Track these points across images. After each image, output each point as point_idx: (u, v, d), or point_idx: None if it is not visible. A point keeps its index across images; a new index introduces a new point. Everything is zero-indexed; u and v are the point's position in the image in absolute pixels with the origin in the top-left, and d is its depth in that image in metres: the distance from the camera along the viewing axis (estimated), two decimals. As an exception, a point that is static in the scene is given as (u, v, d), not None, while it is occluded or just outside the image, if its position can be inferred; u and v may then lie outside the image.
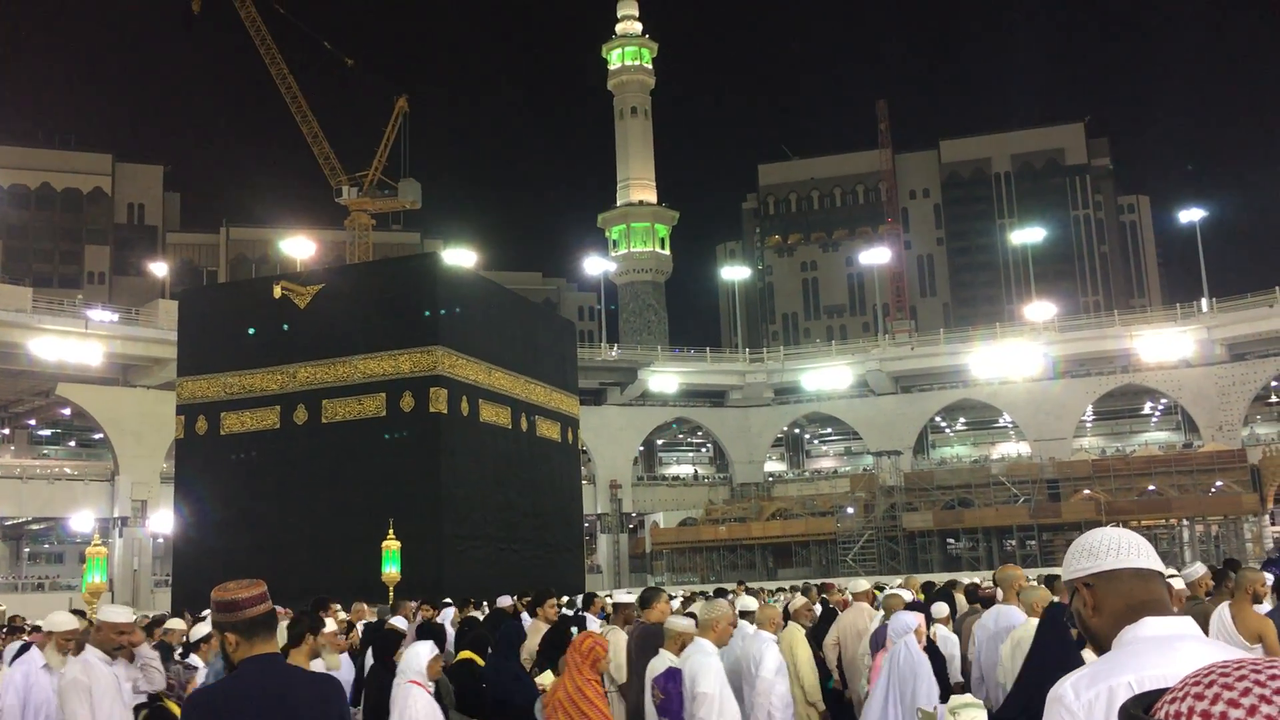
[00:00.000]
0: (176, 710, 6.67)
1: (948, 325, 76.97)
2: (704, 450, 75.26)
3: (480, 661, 8.57)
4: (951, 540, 56.25)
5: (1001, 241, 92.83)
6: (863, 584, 11.22)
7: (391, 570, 21.55)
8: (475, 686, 8.15)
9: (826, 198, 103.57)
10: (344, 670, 8.57)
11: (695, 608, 9.60)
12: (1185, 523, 52.07)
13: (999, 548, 53.74)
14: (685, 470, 74.26)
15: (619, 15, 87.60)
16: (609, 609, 12.63)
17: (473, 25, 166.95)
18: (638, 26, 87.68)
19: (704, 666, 6.25)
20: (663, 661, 6.51)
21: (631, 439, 63.72)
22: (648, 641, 7.59)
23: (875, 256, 78.45)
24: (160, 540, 50.34)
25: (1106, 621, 2.25)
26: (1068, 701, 2.08)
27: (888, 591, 10.77)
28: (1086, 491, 52.79)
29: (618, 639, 9.32)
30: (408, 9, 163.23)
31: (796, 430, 71.96)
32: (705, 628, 6.62)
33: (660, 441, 72.26)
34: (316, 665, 6.76)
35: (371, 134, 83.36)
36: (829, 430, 73.00)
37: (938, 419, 67.01)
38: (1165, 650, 2.10)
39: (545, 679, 8.65)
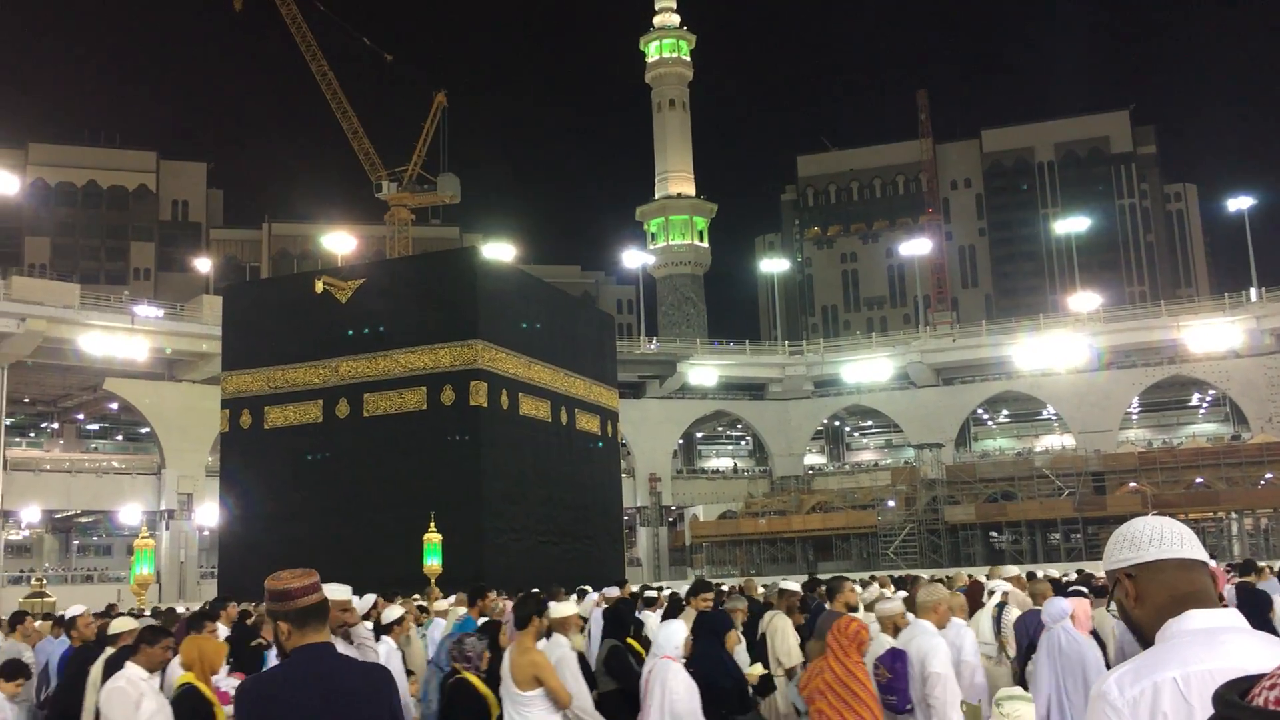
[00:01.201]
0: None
1: (990, 316, 76.15)
2: (743, 443, 75.07)
3: (637, 646, 8.88)
4: (994, 533, 55.72)
5: (1045, 231, 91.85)
6: (1012, 570, 11.23)
7: (433, 563, 21.71)
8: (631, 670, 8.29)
9: (866, 189, 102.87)
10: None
11: (878, 593, 9.70)
12: (1234, 516, 51.28)
13: (1043, 541, 53.20)
14: (724, 463, 74.13)
15: (657, 8, 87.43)
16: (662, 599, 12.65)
17: (510, 20, 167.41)
18: (676, 19, 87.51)
19: (933, 647, 6.39)
20: (881, 644, 6.71)
21: (671, 432, 63.68)
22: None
23: (916, 248, 77.85)
24: (206, 533, 51.03)
25: (1149, 613, 2.22)
26: (1112, 698, 2.05)
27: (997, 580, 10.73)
28: (1132, 484, 52.09)
29: (784, 625, 9.62)
30: (446, 5, 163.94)
31: (836, 423, 71.61)
32: (926, 610, 6.77)
33: (699, 434, 72.15)
34: (543, 646, 6.94)
35: (410, 129, 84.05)
36: (869, 423, 72.58)
37: (980, 411, 66.41)
38: (1211, 644, 2.06)
39: (755, 670, 8.76)
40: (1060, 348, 59.23)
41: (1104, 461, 54.54)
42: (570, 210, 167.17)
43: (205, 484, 49.20)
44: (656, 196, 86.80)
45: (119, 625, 8.05)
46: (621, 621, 9.20)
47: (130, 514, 51.70)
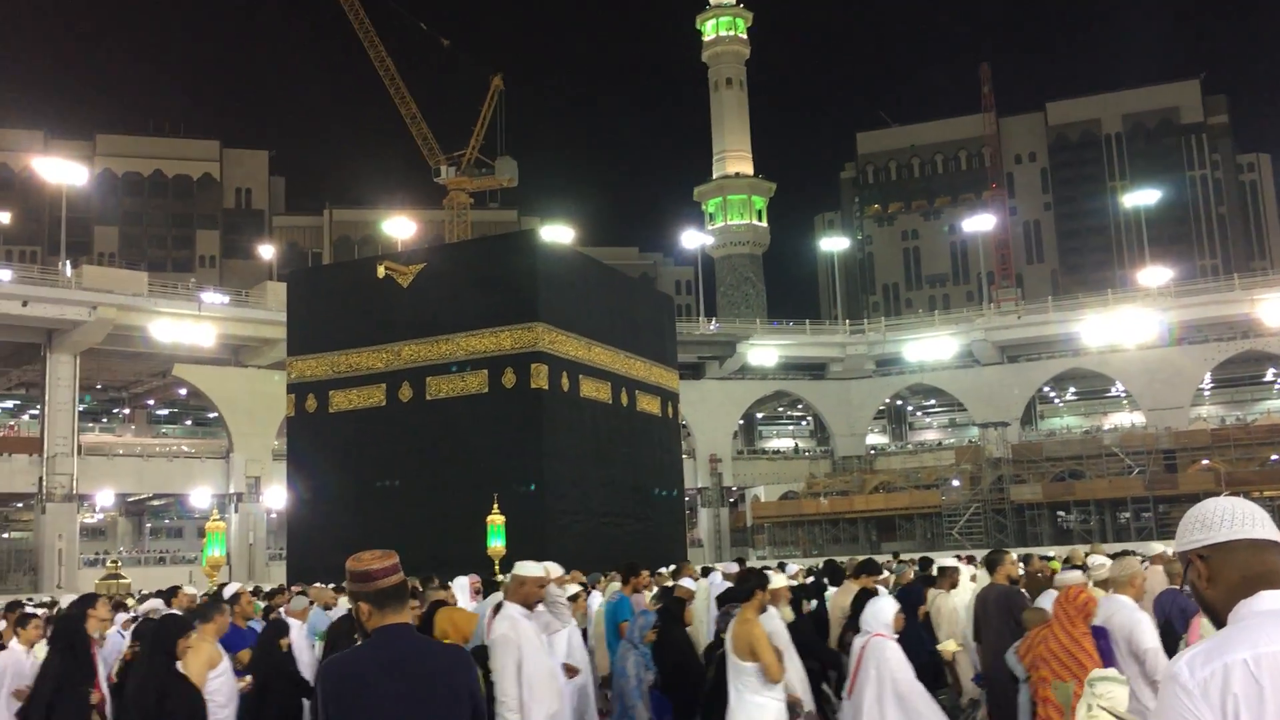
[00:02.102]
0: None
1: (1056, 292, 74.83)
2: (804, 423, 74.65)
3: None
4: (1062, 513, 54.92)
5: (1113, 205, 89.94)
6: (1157, 547, 11.08)
7: (497, 544, 21.80)
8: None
9: (928, 165, 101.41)
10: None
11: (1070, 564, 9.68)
12: (1311, 494, 50.00)
13: (1112, 520, 52.29)
14: (785, 444, 73.79)
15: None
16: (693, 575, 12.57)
17: (566, 1, 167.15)
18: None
19: (1138, 622, 6.30)
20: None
21: (731, 413, 63.46)
22: (1004, 602, 7.89)
23: (979, 224, 76.63)
24: (273, 515, 51.87)
25: (1221, 594, 2.22)
26: (1183, 679, 2.05)
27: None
28: (1205, 462, 51.01)
29: (949, 604, 9.63)
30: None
31: (899, 402, 70.90)
32: (1123, 584, 6.67)
33: (760, 415, 71.85)
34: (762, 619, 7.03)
35: (468, 113, 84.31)
36: (932, 402, 71.77)
37: (1046, 389, 65.32)
38: None
39: (948, 646, 8.73)
40: (1129, 323, 57.96)
41: (1175, 439, 53.45)
42: (628, 192, 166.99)
43: (272, 467, 49.98)
44: (714, 176, 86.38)
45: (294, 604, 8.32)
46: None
47: (200, 497, 52.71)
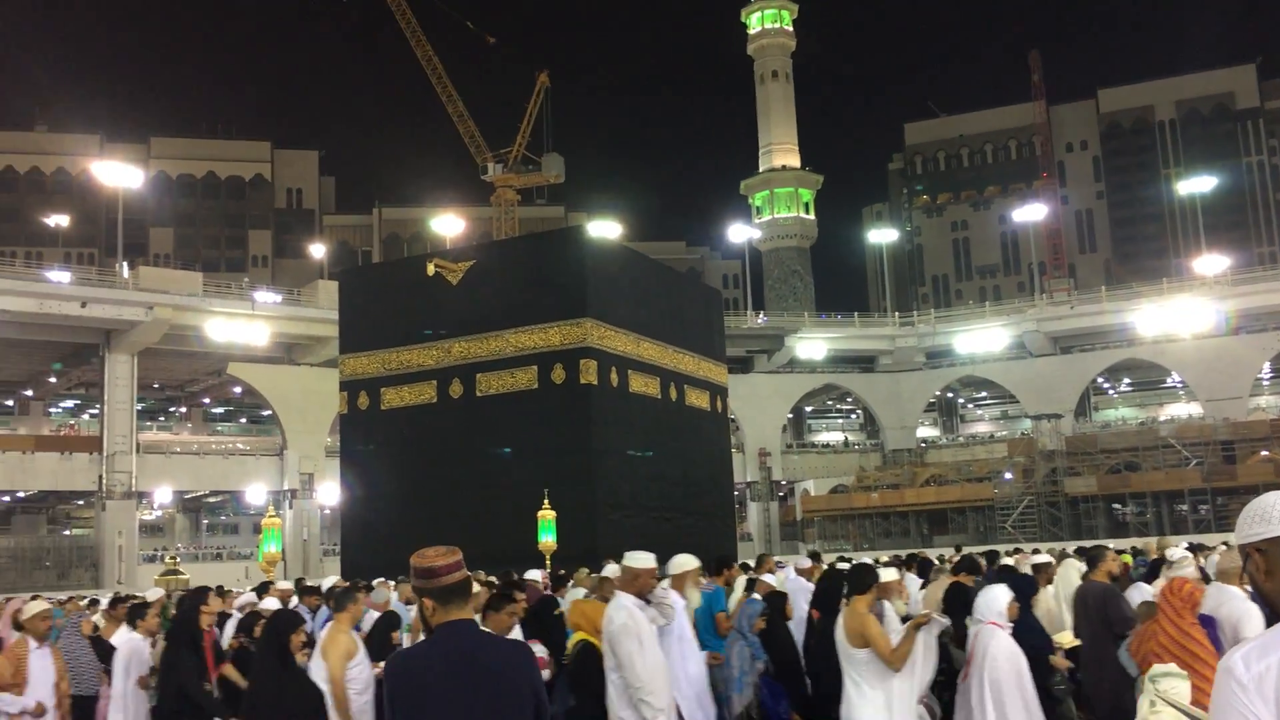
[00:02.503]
0: None
1: (1109, 282, 73.68)
2: (854, 417, 74.23)
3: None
4: (1118, 505, 54.15)
5: (1167, 193, 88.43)
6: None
7: (548, 539, 21.95)
8: None
9: (977, 154, 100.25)
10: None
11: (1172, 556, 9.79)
12: (1376, 485, 48.88)
13: (1169, 513, 51.47)
14: (835, 437, 73.41)
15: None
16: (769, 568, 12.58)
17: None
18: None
19: (1245, 612, 6.28)
20: None
21: (780, 406, 63.24)
22: (1103, 600, 7.96)
23: (1030, 213, 75.69)
24: (327, 511, 52.48)
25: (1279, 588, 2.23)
26: (1238, 673, 2.05)
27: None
28: (1265, 453, 50.04)
29: (1042, 599, 9.64)
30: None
31: (949, 394, 70.27)
32: (1231, 576, 6.66)
33: (809, 408, 71.54)
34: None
35: (514, 110, 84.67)
36: (984, 394, 71.06)
37: (1100, 380, 64.41)
38: None
39: (1064, 638, 8.76)
40: (1185, 312, 56.98)
41: (1233, 430, 52.49)
42: (674, 186, 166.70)
43: (325, 464, 50.58)
44: (761, 170, 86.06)
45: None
46: (834, 593, 9.06)
47: (255, 494, 53.44)
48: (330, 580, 14.86)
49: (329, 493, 48.48)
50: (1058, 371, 60.29)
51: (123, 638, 9.71)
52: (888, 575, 7.63)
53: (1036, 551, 15.49)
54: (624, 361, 29.37)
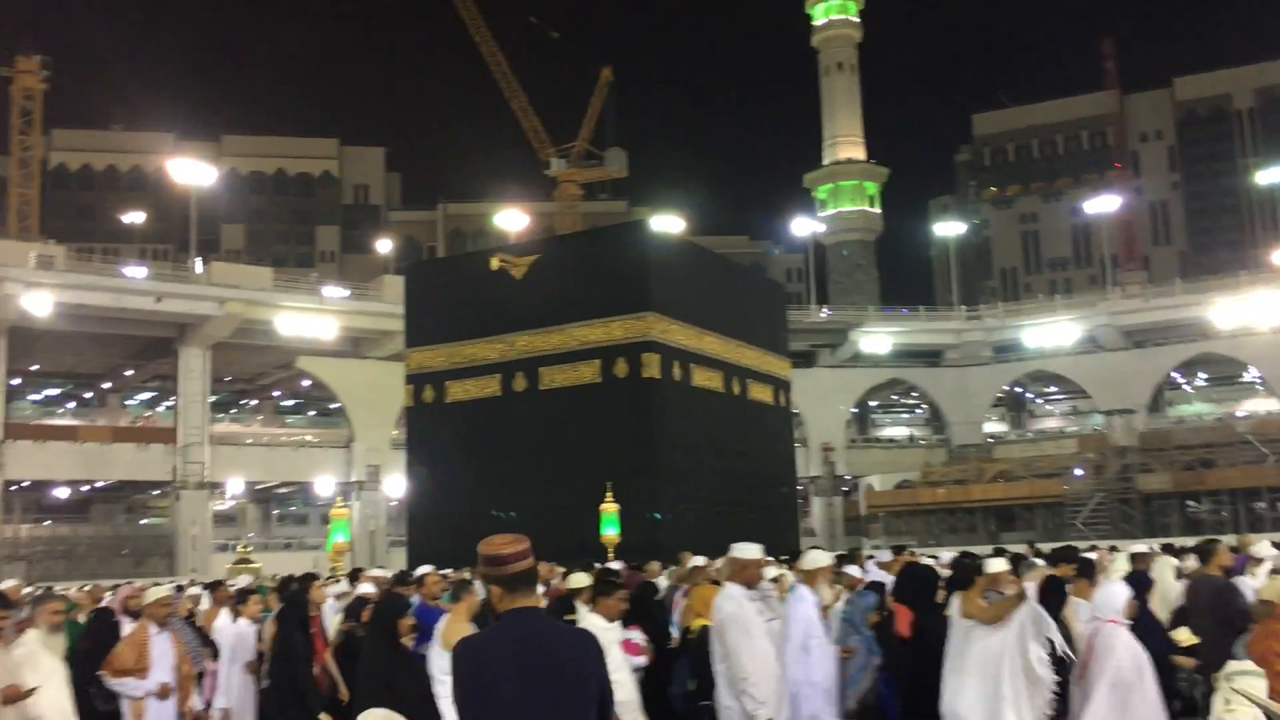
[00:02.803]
0: None
1: (1184, 274, 72.02)
2: (919, 411, 73.40)
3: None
4: (1192, 503, 52.91)
5: (1244, 183, 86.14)
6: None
7: (610, 532, 22.03)
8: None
9: (1047, 145, 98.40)
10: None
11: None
12: None
13: (1246, 511, 50.18)
14: (900, 432, 72.68)
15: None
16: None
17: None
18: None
19: None
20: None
21: (843, 401, 62.73)
22: (1217, 595, 7.92)
23: (1102, 205, 74.12)
24: (393, 503, 53.14)
25: None
26: None
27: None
28: (1347, 450, 48.65)
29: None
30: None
31: (1018, 389, 69.20)
32: None
33: (873, 403, 70.88)
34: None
35: (577, 105, 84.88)
36: (1053, 389, 69.85)
37: (1175, 375, 62.95)
38: None
39: (1182, 635, 8.69)
40: (1263, 305, 55.39)
41: (1314, 426, 51.09)
42: (737, 180, 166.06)
43: (391, 456, 51.17)
44: (825, 162, 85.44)
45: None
46: (925, 585, 8.95)
47: (324, 485, 54.29)
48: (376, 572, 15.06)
49: (395, 484, 49.07)
50: (1130, 366, 59.05)
51: (225, 623, 9.95)
52: (996, 566, 7.53)
53: (1113, 549, 15.16)
54: (686, 355, 29.37)
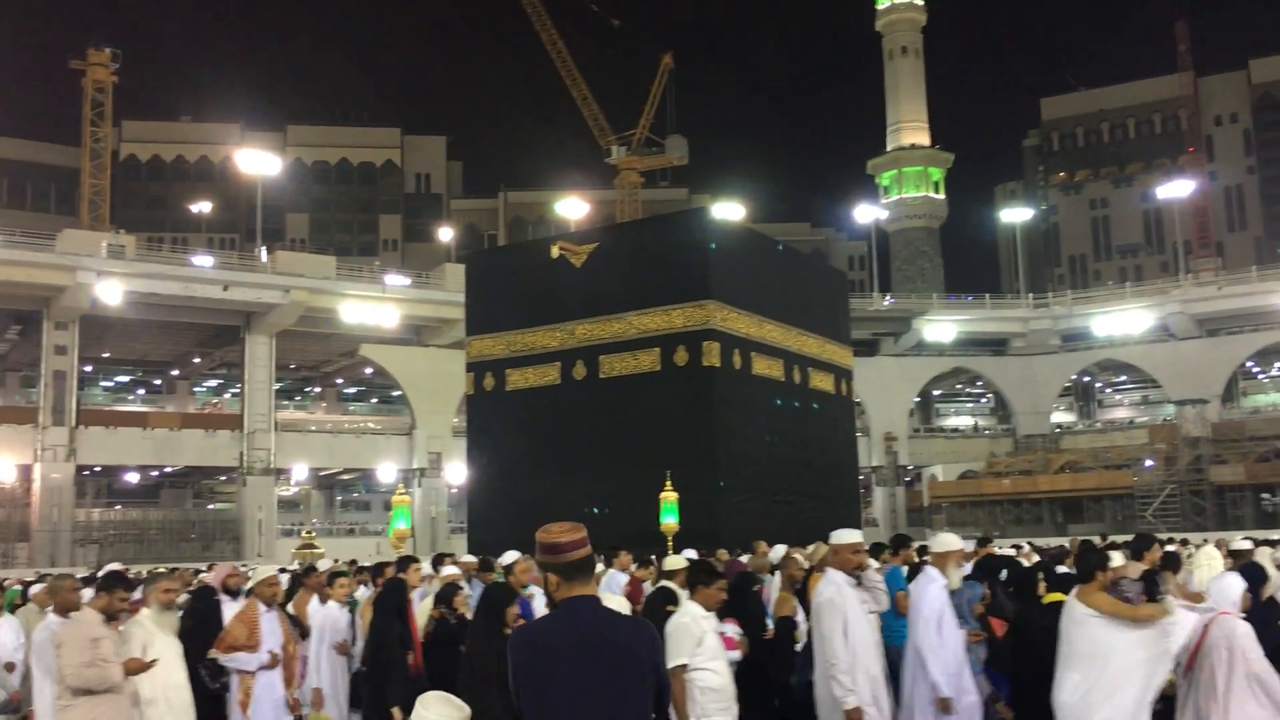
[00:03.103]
0: None
1: (1260, 261, 70.00)
2: (984, 401, 72.41)
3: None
4: (1267, 495, 51.62)
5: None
6: None
7: (670, 521, 21.86)
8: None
9: (1118, 129, 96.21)
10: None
11: None
12: None
13: (1322, 504, 48.92)
14: (964, 422, 71.75)
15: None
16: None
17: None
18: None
19: None
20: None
21: (906, 390, 62.03)
22: None
23: (1175, 190, 72.40)
24: (454, 490, 53.56)
25: None
26: None
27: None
28: None
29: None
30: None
31: (1086, 379, 67.91)
32: None
33: (937, 392, 70.02)
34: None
35: (638, 93, 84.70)
36: (1123, 378, 68.47)
37: (1249, 364, 61.36)
38: None
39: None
40: (1344, 293, 53.83)
41: (1396, 417, 49.54)
42: (799, 166, 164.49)
43: (452, 444, 51.57)
44: (889, 148, 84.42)
45: (671, 563, 8.80)
46: (1026, 577, 8.75)
47: (386, 472, 54.86)
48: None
49: (456, 472, 49.43)
50: (1203, 355, 57.65)
51: (315, 606, 10.09)
52: (1118, 559, 7.38)
53: (1185, 542, 14.71)
54: (747, 344, 29.11)
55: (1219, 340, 58.47)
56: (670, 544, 20.55)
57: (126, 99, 79.39)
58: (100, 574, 8.93)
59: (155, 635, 7.43)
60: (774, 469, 29.59)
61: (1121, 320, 60.65)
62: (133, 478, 57.65)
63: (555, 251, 29.90)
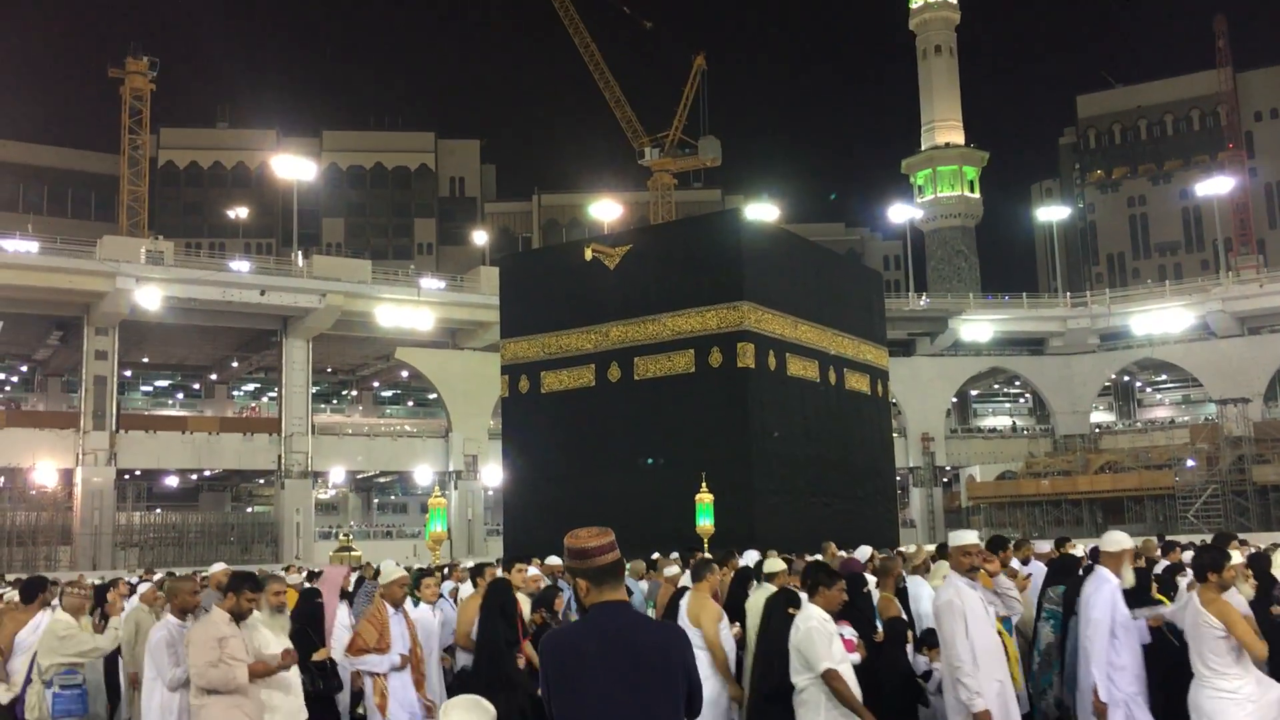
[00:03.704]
0: None
1: (1303, 258, 68.97)
2: (1022, 401, 71.76)
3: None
4: (1312, 496, 50.83)
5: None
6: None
7: (705, 523, 21.80)
8: None
9: (1156, 126, 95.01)
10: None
11: None
12: None
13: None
14: (1002, 422, 71.13)
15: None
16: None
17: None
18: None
19: None
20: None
21: (943, 390, 61.58)
22: None
23: (1215, 187, 71.44)
24: (490, 492, 53.72)
25: None
26: None
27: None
28: None
29: None
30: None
31: (1125, 378, 67.13)
32: None
33: (974, 392, 69.47)
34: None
35: (671, 94, 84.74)
36: (1163, 377, 67.61)
37: (1292, 363, 60.40)
38: None
39: None
40: (1390, 290, 52.89)
41: None
42: (833, 166, 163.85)
43: (488, 446, 51.73)
44: (923, 148, 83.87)
45: (771, 565, 8.95)
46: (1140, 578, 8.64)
47: (422, 475, 55.11)
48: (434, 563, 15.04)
49: (492, 474, 49.58)
50: (1245, 354, 56.82)
51: (407, 607, 10.13)
52: (1235, 559, 7.29)
53: (1244, 542, 14.42)
54: (782, 345, 29.01)
55: (1261, 339, 57.62)
56: (706, 545, 20.48)
57: (164, 106, 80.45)
58: (209, 573, 8.79)
59: (270, 639, 7.46)
60: (809, 470, 29.46)
61: (1161, 319, 59.90)
62: (172, 481, 58.26)
63: (589, 254, 29.93)
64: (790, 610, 6.91)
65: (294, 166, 61.08)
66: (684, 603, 8.52)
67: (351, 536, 29.13)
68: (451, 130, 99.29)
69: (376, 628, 8.44)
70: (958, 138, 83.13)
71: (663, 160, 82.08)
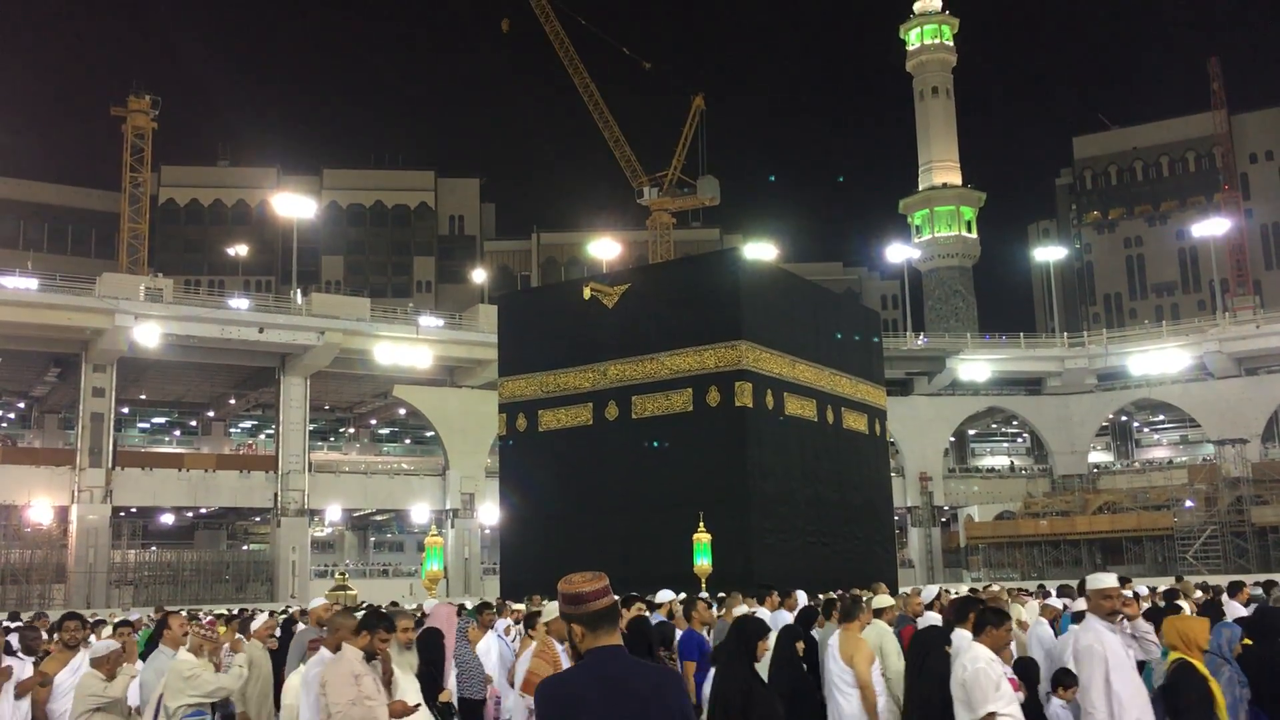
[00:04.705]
0: None
1: (1299, 299, 69.17)
2: (1020, 440, 71.69)
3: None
4: (1311, 537, 50.62)
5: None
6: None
7: (703, 562, 21.73)
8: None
9: (1152, 168, 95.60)
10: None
11: None
12: None
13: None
14: (1000, 462, 71.02)
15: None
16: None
17: (766, 18, 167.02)
18: (937, 3, 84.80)
19: None
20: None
21: (941, 430, 61.54)
22: None
23: (1211, 228, 71.80)
24: (487, 530, 53.49)
25: None
26: None
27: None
28: None
29: None
30: (701, 9, 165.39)
31: (1123, 418, 67.10)
32: None
33: (972, 432, 69.41)
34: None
35: (670, 134, 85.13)
36: (1161, 418, 67.60)
37: (1289, 403, 60.42)
38: None
39: None
40: (1387, 331, 53.02)
41: None
42: (831, 206, 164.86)
43: (485, 484, 51.56)
44: (920, 188, 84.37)
45: (880, 601, 9.42)
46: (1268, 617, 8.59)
47: (419, 513, 54.89)
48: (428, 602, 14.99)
49: (489, 512, 49.39)
50: (1243, 394, 56.88)
51: (492, 643, 10.32)
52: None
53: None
54: (780, 384, 29.04)
55: (1258, 379, 57.71)
56: (704, 585, 20.39)
57: (165, 144, 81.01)
58: (345, 610, 8.79)
59: (400, 677, 7.42)
60: (807, 510, 29.41)
61: (1158, 359, 59.99)
62: (168, 519, 57.97)
63: (587, 292, 30.02)
64: (948, 649, 6.92)
65: (294, 204, 61.30)
66: (833, 641, 8.54)
67: (347, 575, 28.98)
68: (451, 169, 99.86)
69: (551, 664, 8.34)
70: (955, 178, 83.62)
71: (661, 199, 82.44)
